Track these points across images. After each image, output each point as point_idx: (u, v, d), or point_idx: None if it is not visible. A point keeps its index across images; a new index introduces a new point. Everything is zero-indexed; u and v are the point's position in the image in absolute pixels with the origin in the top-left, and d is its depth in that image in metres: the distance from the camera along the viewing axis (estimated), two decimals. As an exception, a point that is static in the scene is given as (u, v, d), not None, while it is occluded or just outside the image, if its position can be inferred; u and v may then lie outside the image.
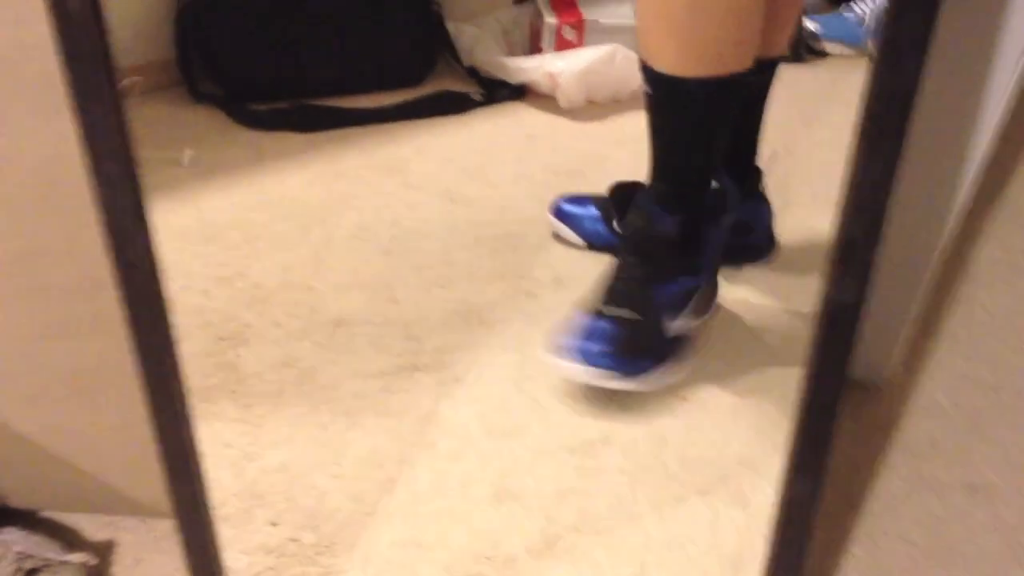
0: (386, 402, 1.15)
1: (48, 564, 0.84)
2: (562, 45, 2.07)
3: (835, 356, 0.62)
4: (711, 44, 1.07)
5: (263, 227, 1.50)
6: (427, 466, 1.05)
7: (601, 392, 1.15)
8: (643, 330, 1.16)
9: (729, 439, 1.09)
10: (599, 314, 1.16)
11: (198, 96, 1.93)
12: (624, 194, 1.34)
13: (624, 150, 1.79)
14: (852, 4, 2.28)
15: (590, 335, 1.14)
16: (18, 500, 0.94)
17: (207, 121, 1.87)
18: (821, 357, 0.62)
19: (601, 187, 1.44)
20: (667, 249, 1.17)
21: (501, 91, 1.99)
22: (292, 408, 1.13)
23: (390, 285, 1.37)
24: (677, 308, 1.18)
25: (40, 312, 0.78)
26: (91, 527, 0.94)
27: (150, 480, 0.85)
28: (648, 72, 1.11)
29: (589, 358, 1.12)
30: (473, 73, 2.05)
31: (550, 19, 2.07)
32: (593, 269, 1.37)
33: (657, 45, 1.08)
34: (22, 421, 0.86)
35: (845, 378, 0.63)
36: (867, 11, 2.24)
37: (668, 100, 1.12)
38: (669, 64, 1.08)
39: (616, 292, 1.18)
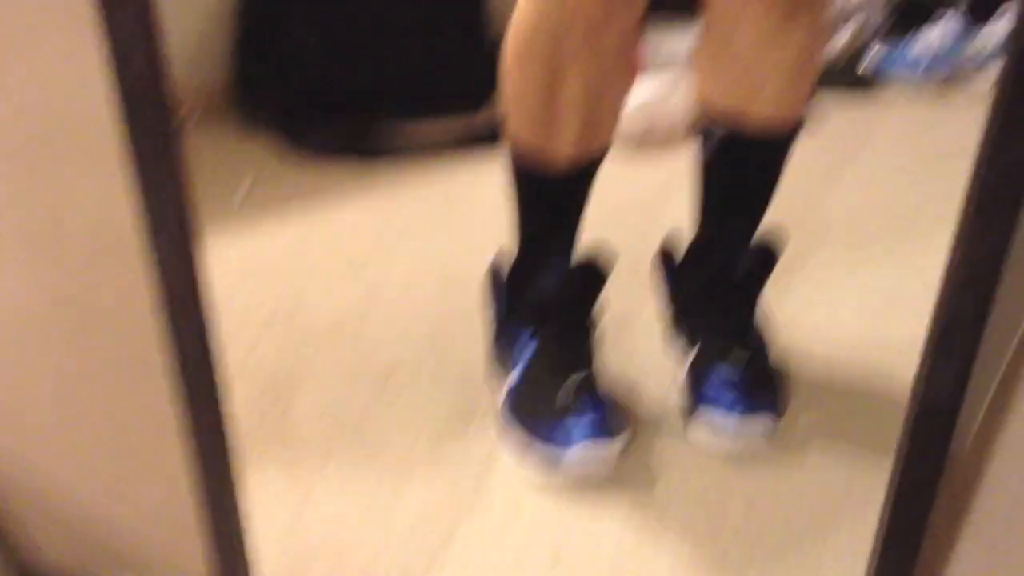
0: (438, 457, 1.11)
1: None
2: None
3: (930, 451, 0.56)
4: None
5: (316, 265, 1.48)
6: (481, 529, 1.01)
7: (660, 448, 1.11)
8: (767, 359, 1.17)
9: (798, 501, 1.04)
10: (744, 361, 1.14)
11: (254, 121, 1.92)
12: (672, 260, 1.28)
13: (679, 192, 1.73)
14: (916, 37, 2.20)
15: (751, 388, 1.12)
16: (52, 562, 0.90)
17: (261, 150, 1.85)
18: (913, 453, 0.56)
19: (650, 234, 1.36)
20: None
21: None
22: (342, 462, 1.10)
23: (444, 329, 1.33)
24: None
25: (88, 375, 0.76)
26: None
27: (192, 548, 0.82)
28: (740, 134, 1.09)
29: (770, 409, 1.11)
30: (531, 103, 2.02)
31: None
32: (648, 307, 1.31)
33: (771, 98, 1.07)
34: (62, 485, 0.83)
35: (940, 475, 0.57)
36: (930, 42, 2.16)
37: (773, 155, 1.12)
38: (779, 118, 1.07)
39: (738, 332, 1.17)
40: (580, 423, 1.05)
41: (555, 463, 1.06)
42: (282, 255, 1.50)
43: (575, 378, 1.09)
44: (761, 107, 1.07)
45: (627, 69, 1.07)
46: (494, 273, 1.19)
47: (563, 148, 1.05)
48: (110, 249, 0.72)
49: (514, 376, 1.14)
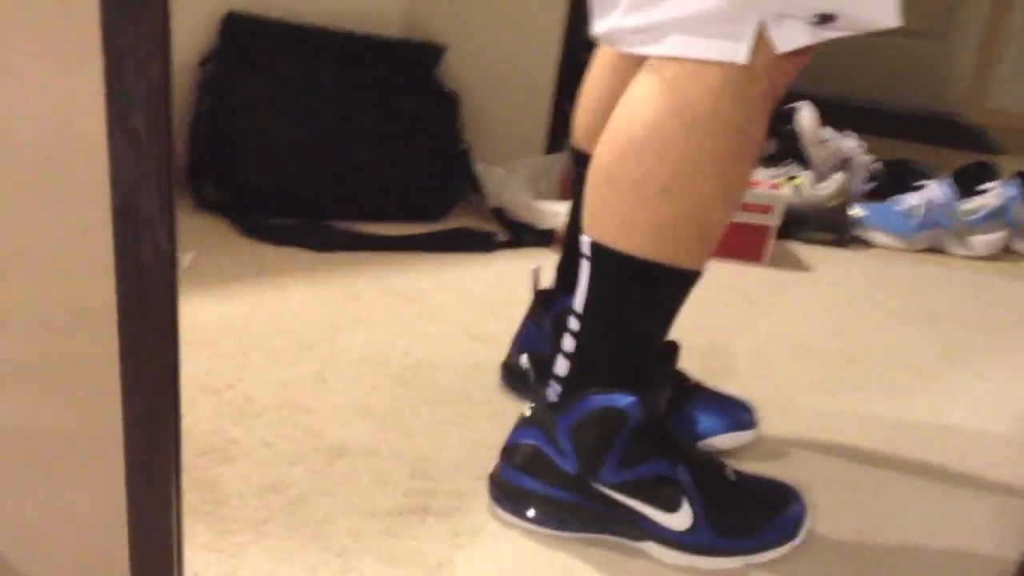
0: (390, 547, 0.95)
1: None
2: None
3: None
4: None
5: (261, 339, 1.34)
6: (437, 630, 0.86)
7: (649, 564, 0.97)
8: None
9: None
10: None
11: (202, 204, 1.80)
12: None
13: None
14: (900, 197, 2.21)
15: None
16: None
17: (209, 229, 1.73)
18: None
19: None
20: None
21: (527, 235, 1.87)
22: (277, 540, 0.94)
23: (401, 416, 1.19)
24: None
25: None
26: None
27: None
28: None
29: None
30: (498, 215, 1.94)
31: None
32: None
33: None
34: None
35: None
36: (918, 203, 2.16)
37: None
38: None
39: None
40: (792, 509, 1.05)
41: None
42: (223, 329, 1.36)
43: (730, 471, 1.05)
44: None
45: None
46: (615, 422, 0.97)
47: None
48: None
49: (691, 510, 0.98)
